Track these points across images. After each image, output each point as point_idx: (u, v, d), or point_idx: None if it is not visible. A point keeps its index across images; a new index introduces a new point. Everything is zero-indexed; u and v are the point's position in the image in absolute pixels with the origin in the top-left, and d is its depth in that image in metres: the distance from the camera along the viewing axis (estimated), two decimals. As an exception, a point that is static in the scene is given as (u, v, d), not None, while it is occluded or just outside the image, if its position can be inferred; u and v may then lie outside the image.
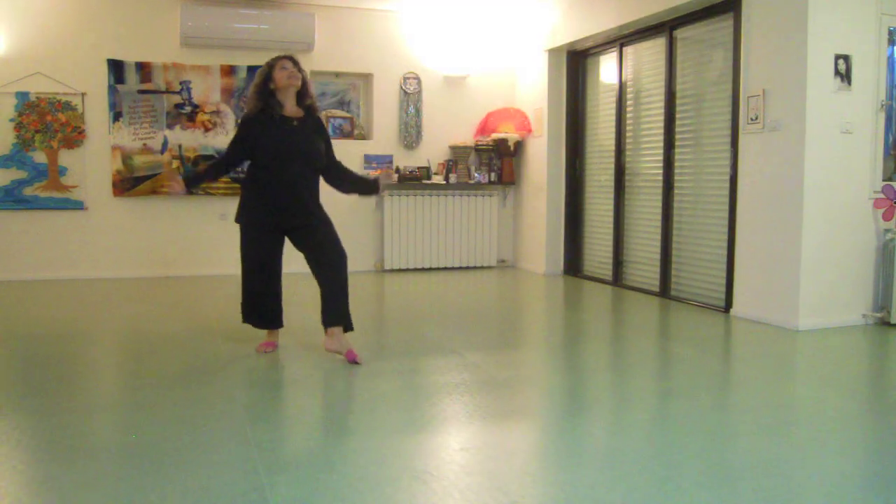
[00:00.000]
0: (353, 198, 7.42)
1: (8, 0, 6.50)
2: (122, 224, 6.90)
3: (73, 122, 6.69)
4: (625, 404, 3.33)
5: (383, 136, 7.54)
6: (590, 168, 7.21)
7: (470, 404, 3.15)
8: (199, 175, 4.10)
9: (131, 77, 6.80)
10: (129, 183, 6.86)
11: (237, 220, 3.90)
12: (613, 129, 6.69)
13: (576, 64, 7.24)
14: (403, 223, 7.48)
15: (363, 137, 7.61)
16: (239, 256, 3.91)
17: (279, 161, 3.72)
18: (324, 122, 4.23)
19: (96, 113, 6.75)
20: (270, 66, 3.80)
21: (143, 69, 6.82)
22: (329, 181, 4.05)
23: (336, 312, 3.80)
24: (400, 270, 7.50)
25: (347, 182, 4.12)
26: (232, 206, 7.29)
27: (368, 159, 7.45)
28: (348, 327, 3.87)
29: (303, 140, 3.79)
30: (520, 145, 7.71)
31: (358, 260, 7.47)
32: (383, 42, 7.45)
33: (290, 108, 3.82)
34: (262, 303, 3.96)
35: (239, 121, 4.02)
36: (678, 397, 3.39)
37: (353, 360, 3.76)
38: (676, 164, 5.90)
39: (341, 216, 7.47)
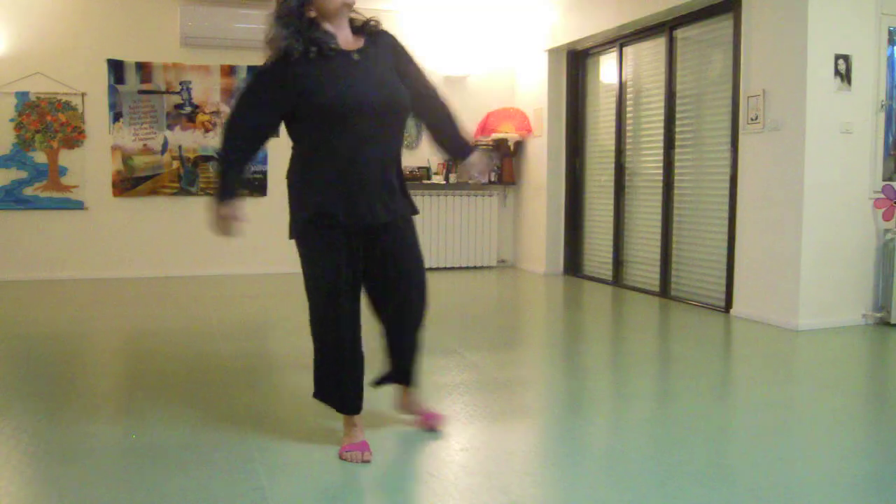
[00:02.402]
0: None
1: (8, 0, 6.50)
2: (122, 224, 6.90)
3: (73, 122, 6.69)
4: (625, 404, 3.33)
5: (383, 136, 7.53)
6: (590, 168, 7.21)
7: (470, 404, 3.15)
8: (227, 184, 2.51)
9: (131, 77, 6.80)
10: (129, 183, 6.86)
11: (292, 234, 2.56)
12: (613, 129, 6.69)
13: (576, 64, 7.24)
14: (403, 223, 7.46)
15: (363, 137, 7.60)
16: (304, 288, 2.59)
17: (346, 119, 2.41)
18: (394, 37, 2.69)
19: (96, 113, 6.75)
20: None
21: (143, 69, 6.82)
22: (420, 117, 2.76)
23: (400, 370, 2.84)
24: (400, 270, 7.49)
25: (444, 132, 2.76)
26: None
27: (368, 159, 7.44)
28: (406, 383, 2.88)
29: (375, 80, 2.48)
30: (520, 145, 7.70)
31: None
32: (383, 42, 7.43)
33: (345, 38, 2.50)
34: (342, 364, 2.58)
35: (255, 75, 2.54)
36: (678, 397, 3.39)
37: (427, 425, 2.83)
38: (676, 164, 5.90)
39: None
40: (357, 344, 2.60)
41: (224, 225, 2.47)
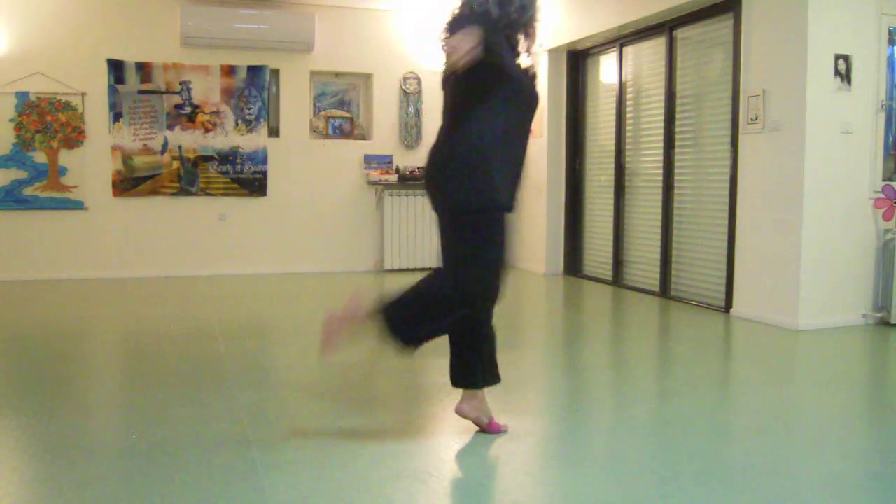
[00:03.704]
0: (351, 195, 7.45)
1: (8, 0, 6.50)
2: (122, 224, 6.90)
3: (73, 122, 6.69)
4: (625, 404, 3.32)
5: (383, 136, 7.54)
6: (590, 168, 7.21)
7: (470, 404, 3.14)
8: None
9: (131, 77, 6.80)
10: (129, 183, 6.86)
11: (468, 212, 2.59)
12: (613, 129, 6.69)
13: (576, 64, 7.24)
14: (403, 223, 7.47)
15: (363, 137, 7.61)
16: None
17: (526, 113, 2.66)
18: None
19: (96, 113, 6.75)
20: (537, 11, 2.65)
21: (143, 69, 6.82)
22: None
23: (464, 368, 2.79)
24: (400, 270, 7.49)
25: None
26: (231, 206, 7.38)
27: (368, 159, 7.45)
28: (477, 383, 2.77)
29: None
30: (520, 145, 7.70)
31: (358, 259, 7.48)
32: (383, 42, 7.44)
33: None
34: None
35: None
36: (678, 397, 3.39)
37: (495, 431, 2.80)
38: (676, 164, 5.90)
39: (339, 215, 7.51)
40: None
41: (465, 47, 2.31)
